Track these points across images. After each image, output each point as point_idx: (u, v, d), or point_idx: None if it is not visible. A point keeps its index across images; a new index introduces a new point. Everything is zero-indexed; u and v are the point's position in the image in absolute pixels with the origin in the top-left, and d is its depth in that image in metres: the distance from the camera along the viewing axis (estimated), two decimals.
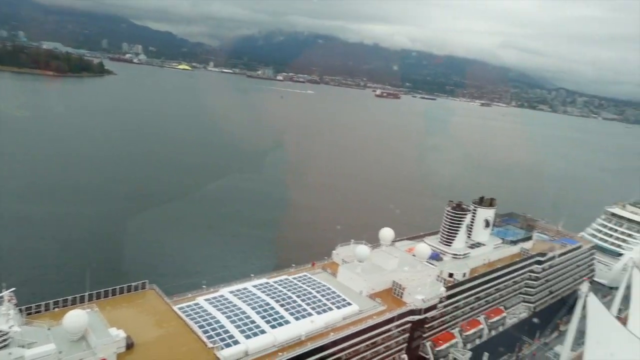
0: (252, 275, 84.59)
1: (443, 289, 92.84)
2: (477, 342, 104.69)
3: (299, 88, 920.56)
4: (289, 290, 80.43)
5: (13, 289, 56.42)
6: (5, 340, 49.78)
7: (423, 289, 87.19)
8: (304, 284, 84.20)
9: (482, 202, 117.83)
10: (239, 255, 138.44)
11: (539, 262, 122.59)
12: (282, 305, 74.62)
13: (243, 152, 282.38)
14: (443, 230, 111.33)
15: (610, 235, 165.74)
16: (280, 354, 65.00)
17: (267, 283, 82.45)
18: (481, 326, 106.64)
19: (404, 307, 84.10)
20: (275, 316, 71.38)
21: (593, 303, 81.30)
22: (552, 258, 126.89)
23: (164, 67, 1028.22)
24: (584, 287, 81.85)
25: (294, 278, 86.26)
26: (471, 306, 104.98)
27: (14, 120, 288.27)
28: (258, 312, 71.40)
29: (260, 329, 67.50)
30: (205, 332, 64.25)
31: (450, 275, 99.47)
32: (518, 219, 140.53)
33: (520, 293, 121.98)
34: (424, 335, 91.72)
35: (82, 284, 65.93)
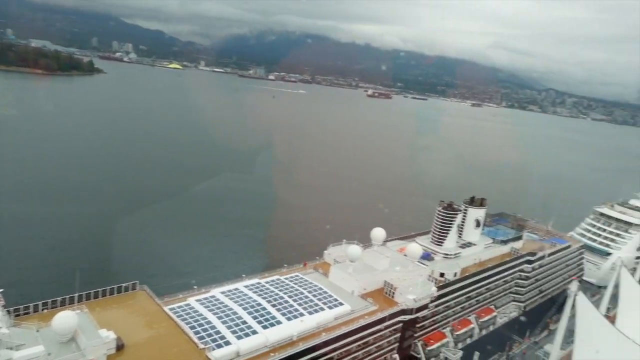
0: (243, 275, 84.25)
1: (434, 288, 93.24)
2: (468, 341, 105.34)
3: (291, 88, 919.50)
4: (280, 290, 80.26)
5: (1, 290, 55.78)
6: None
7: (414, 289, 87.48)
8: (295, 284, 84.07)
9: (472, 202, 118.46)
10: (231, 256, 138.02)
11: (529, 262, 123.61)
12: (273, 306, 74.43)
13: (235, 152, 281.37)
14: (434, 230, 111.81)
15: (599, 235, 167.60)
16: (272, 354, 64.83)
17: (258, 283, 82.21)
18: (472, 325, 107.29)
19: (396, 306, 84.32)
20: (267, 316, 71.19)
21: (582, 302, 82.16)
22: (542, 257, 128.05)
23: (155, 66, 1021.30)
24: (573, 286, 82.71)
25: (286, 278, 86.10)
26: (462, 306, 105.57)
27: (1, 119, 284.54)
28: (249, 313, 71.15)
29: (251, 330, 67.27)
30: (197, 332, 63.89)
31: (442, 275, 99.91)
32: (508, 219, 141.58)
33: (511, 292, 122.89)
34: (416, 335, 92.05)
35: (71, 285, 65.29)
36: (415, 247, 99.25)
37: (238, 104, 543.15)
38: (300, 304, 76.50)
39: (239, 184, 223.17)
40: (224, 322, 67.62)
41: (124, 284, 71.36)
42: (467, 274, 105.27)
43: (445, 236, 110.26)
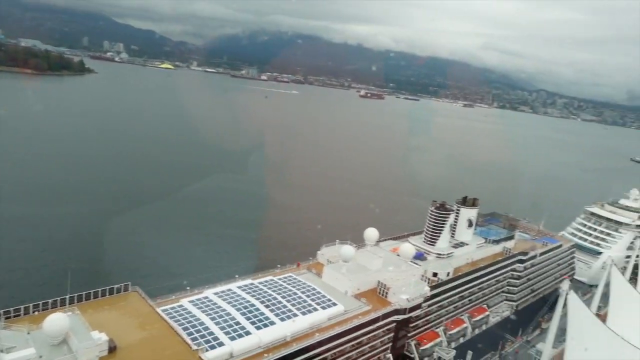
0: (236, 276, 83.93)
1: (427, 288, 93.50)
2: (461, 340, 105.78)
3: (283, 88, 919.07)
4: (274, 291, 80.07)
5: None
6: None
7: (407, 289, 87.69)
8: (289, 284, 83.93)
9: (465, 202, 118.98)
10: (223, 256, 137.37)
11: (521, 261, 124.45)
12: (267, 306, 74.25)
13: (227, 152, 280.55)
14: (427, 230, 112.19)
15: (590, 234, 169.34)
16: (265, 355, 64.64)
17: (251, 284, 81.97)
18: (465, 325, 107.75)
19: (389, 306, 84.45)
20: (260, 317, 71.00)
21: (573, 301, 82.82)
22: (534, 257, 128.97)
23: (147, 66, 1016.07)
24: (565, 285, 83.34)
25: (279, 279, 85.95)
26: (455, 305, 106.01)
27: None
28: (243, 314, 70.92)
29: (245, 330, 67.06)
30: (190, 334, 63.55)
31: (435, 274, 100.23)
32: (500, 219, 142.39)
33: (503, 292, 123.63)
34: (409, 335, 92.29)
35: (62, 287, 64.66)
36: (408, 247, 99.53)
37: (230, 104, 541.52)
38: (293, 305, 76.39)
39: (231, 184, 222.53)
40: (217, 323, 67.35)
41: (116, 286, 70.78)
42: (459, 274, 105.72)
43: (438, 236, 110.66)
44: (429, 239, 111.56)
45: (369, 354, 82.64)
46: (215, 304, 73.20)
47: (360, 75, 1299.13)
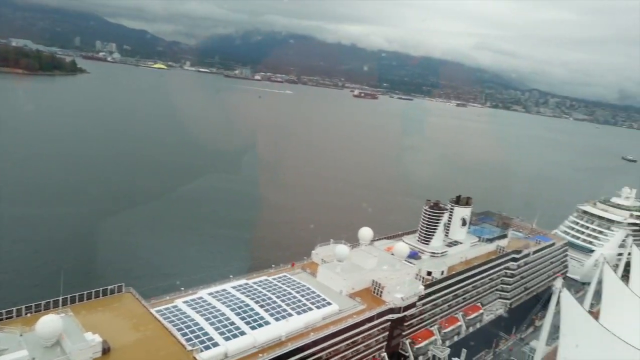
0: (231, 276, 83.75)
1: (422, 287, 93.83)
2: (456, 338, 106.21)
3: (277, 88, 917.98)
4: (268, 291, 79.98)
5: None
6: None
7: (402, 288, 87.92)
8: (283, 284, 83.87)
9: (459, 201, 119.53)
10: (217, 257, 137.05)
11: (514, 260, 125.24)
12: (261, 306, 74.14)
13: (220, 152, 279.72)
14: (421, 229, 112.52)
15: (582, 233, 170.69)
16: (260, 355, 64.58)
17: (246, 284, 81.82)
18: (459, 323, 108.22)
19: (384, 305, 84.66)
20: (255, 317, 70.89)
21: (566, 298, 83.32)
22: (527, 255, 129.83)
23: (139, 66, 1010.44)
24: (558, 283, 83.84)
25: (274, 279, 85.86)
26: (449, 304, 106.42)
27: None
28: (237, 314, 70.78)
29: (239, 331, 66.93)
30: (184, 334, 63.34)
31: (429, 273, 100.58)
32: (494, 218, 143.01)
33: (497, 290, 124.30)
34: (404, 333, 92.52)
35: (55, 288, 64.24)
36: (402, 246, 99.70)
37: (224, 105, 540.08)
38: (288, 304, 76.35)
39: (225, 184, 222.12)
40: (211, 324, 67.16)
41: (109, 287, 70.42)
42: (453, 272, 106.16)
43: (432, 235, 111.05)
44: (423, 238, 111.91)
45: (364, 353, 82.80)
46: (209, 304, 73.00)
47: (353, 75, 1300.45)
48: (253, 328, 68.06)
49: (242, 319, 69.71)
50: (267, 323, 70.05)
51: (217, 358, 61.69)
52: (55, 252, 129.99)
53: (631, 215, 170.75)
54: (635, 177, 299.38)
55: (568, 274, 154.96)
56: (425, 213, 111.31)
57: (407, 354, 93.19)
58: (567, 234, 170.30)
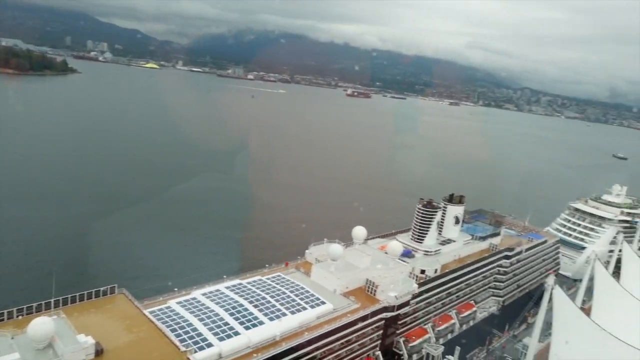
0: (224, 276, 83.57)
1: (415, 285, 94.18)
2: (449, 336, 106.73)
3: (270, 87, 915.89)
4: (262, 290, 79.89)
5: None
6: None
7: (396, 286, 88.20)
8: (277, 284, 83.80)
9: (451, 199, 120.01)
10: (211, 257, 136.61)
11: (507, 257, 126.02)
12: (255, 306, 74.04)
13: (214, 152, 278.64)
14: (414, 227, 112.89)
15: (574, 230, 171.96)
16: (254, 355, 64.54)
17: (240, 284, 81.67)
18: (453, 321, 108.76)
19: (378, 304, 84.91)
20: (249, 317, 70.79)
21: (558, 295, 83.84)
22: (520, 253, 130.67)
23: (131, 65, 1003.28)
24: (550, 280, 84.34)
25: (268, 278, 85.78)
26: (443, 301, 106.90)
27: None
28: (231, 314, 70.65)
29: (233, 331, 66.81)
30: (178, 335, 63.13)
31: (422, 271, 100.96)
32: (486, 216, 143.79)
33: (490, 287, 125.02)
34: (398, 332, 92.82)
35: (47, 290, 63.80)
36: (396, 245, 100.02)
37: (217, 104, 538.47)
38: (282, 304, 76.31)
39: (218, 184, 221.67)
40: (205, 324, 67.00)
41: (102, 288, 70.02)
42: (447, 270, 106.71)
43: (426, 233, 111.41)
44: (416, 237, 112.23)
45: (358, 352, 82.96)
46: (203, 304, 72.80)
47: (347, 74, 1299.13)
48: (247, 328, 67.96)
49: (236, 319, 69.59)
50: (261, 323, 69.98)
51: (211, 359, 61.61)
52: (46, 254, 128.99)
53: (622, 213, 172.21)
54: (626, 174, 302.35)
55: (560, 271, 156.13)
56: (418, 211, 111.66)
57: (401, 353, 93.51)
58: (559, 231, 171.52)
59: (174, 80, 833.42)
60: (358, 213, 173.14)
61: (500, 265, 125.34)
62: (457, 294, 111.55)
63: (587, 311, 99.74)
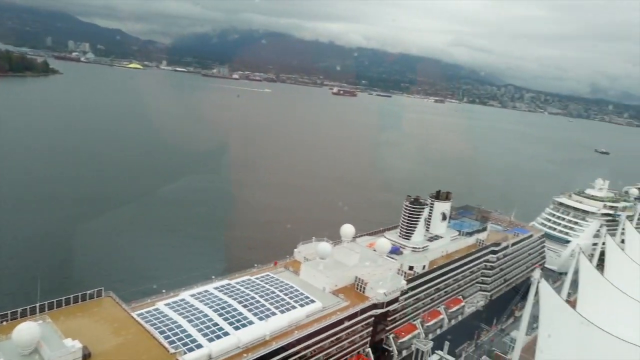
0: (213, 277, 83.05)
1: (404, 282, 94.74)
2: (438, 332, 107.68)
3: (256, 87, 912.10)
4: (251, 290, 79.57)
5: None
6: None
7: (385, 283, 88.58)
8: (266, 283, 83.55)
9: (438, 196, 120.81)
10: (199, 258, 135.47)
11: (494, 252, 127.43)
12: (245, 306, 73.71)
13: (200, 153, 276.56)
14: (402, 224, 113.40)
15: (559, 224, 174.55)
16: (244, 355, 64.32)
17: (228, 284, 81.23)
18: (441, 316, 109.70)
19: (367, 301, 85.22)
20: (238, 317, 70.46)
21: (544, 289, 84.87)
22: (506, 247, 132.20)
23: (114, 66, 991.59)
24: (536, 273, 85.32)
25: (256, 278, 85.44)
26: (431, 297, 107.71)
27: None
28: (220, 314, 70.24)
29: (223, 331, 66.45)
30: (167, 337, 62.58)
31: (411, 268, 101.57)
32: (473, 211, 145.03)
33: (477, 282, 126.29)
34: (387, 328, 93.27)
35: (32, 295, 62.70)
36: (384, 242, 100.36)
37: (202, 104, 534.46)
38: (271, 303, 76.09)
39: (205, 185, 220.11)
40: (194, 325, 66.54)
41: (88, 291, 69.11)
42: (435, 267, 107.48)
43: (413, 230, 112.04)
44: (404, 233, 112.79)
45: (348, 349, 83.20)
46: (192, 305, 72.28)
47: (332, 72, 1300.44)
48: (236, 328, 67.65)
49: (225, 319, 69.22)
50: (250, 323, 69.71)
51: None
52: (31, 258, 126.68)
53: (604, 206, 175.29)
54: (608, 168, 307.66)
55: (546, 265, 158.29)
56: (405, 208, 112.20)
57: (390, 349, 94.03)
58: (544, 225, 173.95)
59: (158, 80, 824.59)
60: (346, 211, 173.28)
61: (487, 260, 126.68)
62: (445, 290, 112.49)
63: (572, 304, 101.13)
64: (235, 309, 72.40)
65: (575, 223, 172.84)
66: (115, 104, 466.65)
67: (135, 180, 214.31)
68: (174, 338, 62.85)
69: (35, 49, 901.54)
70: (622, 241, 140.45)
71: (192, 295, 75.46)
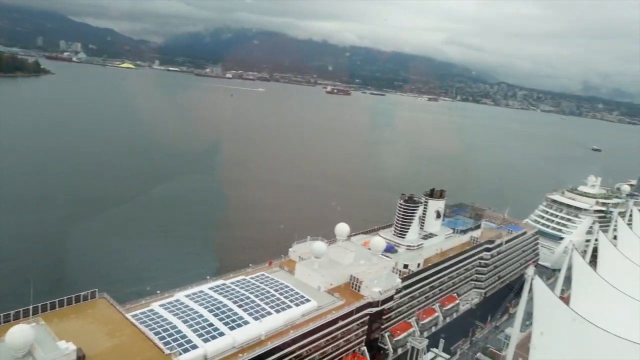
0: (207, 277, 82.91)
1: (399, 280, 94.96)
2: (433, 329, 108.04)
3: (249, 86, 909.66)
4: (246, 290, 79.45)
5: None
6: None
7: (380, 281, 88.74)
8: (261, 283, 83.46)
9: (432, 194, 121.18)
10: (194, 258, 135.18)
11: (488, 249, 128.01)
12: (240, 306, 73.59)
13: (194, 153, 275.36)
14: (396, 222, 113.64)
15: (552, 221, 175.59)
16: (240, 355, 64.23)
17: (223, 284, 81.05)
18: (436, 314, 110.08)
19: (362, 300, 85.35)
20: (234, 317, 70.33)
21: (538, 285, 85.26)
22: (500, 245, 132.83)
23: (106, 65, 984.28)
24: (530, 270, 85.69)
25: (251, 278, 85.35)
26: (426, 295, 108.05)
27: None
28: (215, 315, 70.09)
29: (218, 332, 66.32)
30: (162, 338, 62.36)
31: (405, 266, 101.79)
32: (467, 209, 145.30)
33: (472, 280, 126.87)
34: (382, 327, 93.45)
35: (25, 297, 62.20)
36: (378, 241, 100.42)
37: (195, 104, 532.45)
38: (267, 303, 76.03)
39: (199, 185, 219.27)
40: (189, 326, 66.34)
41: (82, 293, 68.74)
42: (429, 264, 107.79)
43: (408, 228, 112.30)
44: (398, 232, 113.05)
45: (344, 348, 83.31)
46: (186, 306, 72.05)
47: (325, 71, 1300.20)
48: (232, 328, 67.53)
49: (221, 319, 69.08)
50: (246, 323, 69.60)
51: None
52: (23, 260, 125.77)
53: (597, 203, 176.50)
54: (600, 165, 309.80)
55: (539, 262, 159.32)
56: (400, 207, 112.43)
57: (386, 347, 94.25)
58: (538, 222, 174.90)
59: (150, 80, 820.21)
60: (340, 210, 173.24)
61: (482, 258, 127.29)
62: (440, 288, 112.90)
63: (566, 300, 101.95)
64: (230, 309, 72.26)
65: (568, 220, 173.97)
66: (107, 104, 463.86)
67: (129, 180, 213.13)
68: (169, 339, 62.65)
69: (26, 49, 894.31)
70: (615, 237, 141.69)
71: (187, 296, 75.23)
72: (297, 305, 77.61)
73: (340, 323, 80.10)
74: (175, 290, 77.05)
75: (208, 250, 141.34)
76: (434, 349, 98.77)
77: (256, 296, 77.65)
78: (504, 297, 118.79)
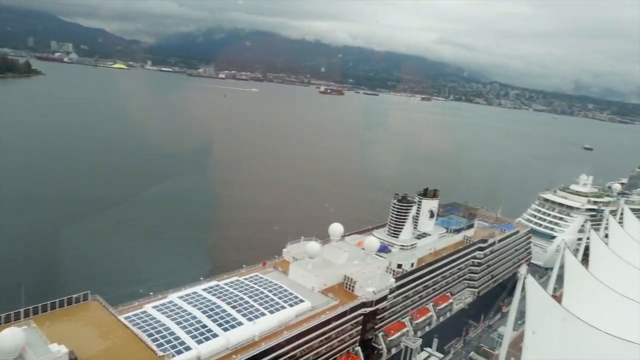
0: (201, 278, 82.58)
1: (392, 279, 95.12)
2: (427, 329, 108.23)
3: (243, 86, 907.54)
4: (240, 291, 79.22)
5: None
6: None
7: (373, 281, 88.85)
8: (255, 284, 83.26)
9: (426, 193, 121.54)
10: (187, 259, 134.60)
11: (481, 249, 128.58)
12: (233, 307, 73.37)
13: (187, 153, 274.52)
14: (390, 222, 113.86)
15: (544, 220, 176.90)
16: (234, 356, 64.03)
17: (217, 285, 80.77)
18: (430, 313, 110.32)
19: (356, 300, 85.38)
20: (227, 318, 70.10)
21: (531, 284, 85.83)
22: (493, 244, 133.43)
23: (98, 66, 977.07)
24: (522, 269, 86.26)
25: (245, 279, 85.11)
26: (420, 295, 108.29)
27: None
28: (209, 316, 69.83)
29: (212, 333, 66.06)
30: (155, 340, 62.02)
31: (399, 266, 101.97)
32: (460, 208, 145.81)
33: (465, 279, 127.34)
34: (376, 327, 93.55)
35: (16, 300, 61.67)
36: (372, 240, 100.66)
37: (189, 105, 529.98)
38: (260, 304, 75.85)
39: (193, 186, 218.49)
40: (183, 327, 66.04)
41: (74, 295, 68.18)
42: (423, 264, 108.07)
43: (401, 228, 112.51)
44: (392, 232, 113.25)
45: (338, 348, 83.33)
46: (180, 307, 71.72)
47: (319, 71, 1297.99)
48: (225, 330, 67.30)
49: (214, 320, 68.84)
50: (239, 324, 69.39)
51: None
52: (14, 262, 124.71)
53: (589, 202, 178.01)
54: (592, 164, 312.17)
55: (532, 261, 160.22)
56: (393, 206, 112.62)
57: (380, 347, 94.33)
58: (530, 221, 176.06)
59: (143, 80, 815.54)
60: (334, 210, 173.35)
61: (475, 257, 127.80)
62: (433, 287, 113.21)
63: (558, 298, 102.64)
64: (224, 310, 72.03)
65: (560, 219, 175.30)
66: (99, 105, 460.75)
67: (121, 181, 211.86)
68: (162, 341, 62.33)
69: (17, 50, 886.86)
70: (606, 236, 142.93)
71: (180, 297, 74.88)
72: (291, 305, 77.51)
73: (334, 323, 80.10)
74: (168, 291, 76.66)
75: (201, 251, 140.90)
76: (428, 349, 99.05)
77: (250, 297, 77.46)
78: (497, 296, 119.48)
